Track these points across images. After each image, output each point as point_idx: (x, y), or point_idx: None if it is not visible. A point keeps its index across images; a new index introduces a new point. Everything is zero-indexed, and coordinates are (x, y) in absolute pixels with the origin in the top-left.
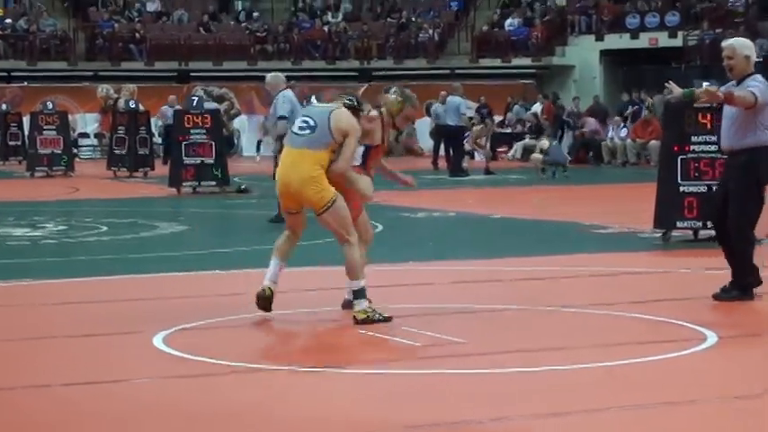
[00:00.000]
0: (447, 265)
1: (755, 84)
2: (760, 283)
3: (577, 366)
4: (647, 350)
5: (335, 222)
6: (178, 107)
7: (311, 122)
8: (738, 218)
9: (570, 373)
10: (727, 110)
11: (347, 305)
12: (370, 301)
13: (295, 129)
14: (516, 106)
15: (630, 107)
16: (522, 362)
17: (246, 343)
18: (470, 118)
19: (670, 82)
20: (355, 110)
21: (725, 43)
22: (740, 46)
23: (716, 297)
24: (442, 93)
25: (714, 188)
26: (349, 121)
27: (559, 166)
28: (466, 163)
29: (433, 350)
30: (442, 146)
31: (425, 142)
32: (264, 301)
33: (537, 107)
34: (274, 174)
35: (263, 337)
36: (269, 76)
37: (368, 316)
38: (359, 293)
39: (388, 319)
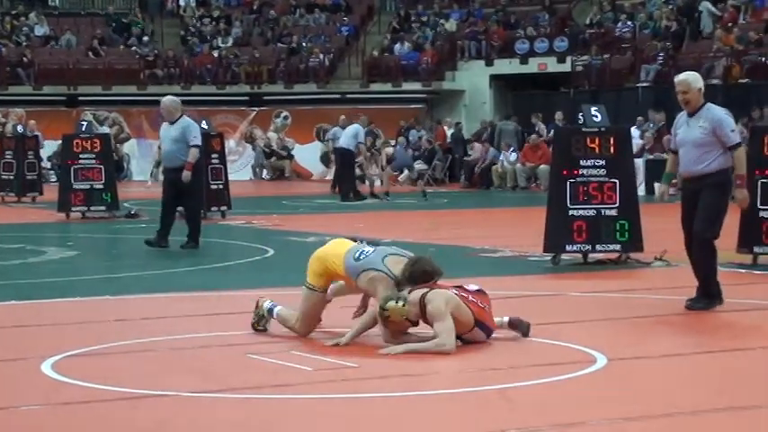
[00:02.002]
0: None
1: (726, 126)
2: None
3: (467, 389)
4: (538, 372)
5: (301, 303)
6: (37, 133)
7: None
8: (707, 231)
9: (459, 396)
10: (690, 136)
11: None
12: None
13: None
14: (413, 130)
15: (535, 132)
16: (414, 385)
17: (135, 369)
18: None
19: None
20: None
21: (678, 79)
22: (693, 80)
23: (688, 308)
24: (342, 117)
25: (596, 213)
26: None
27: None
28: (359, 187)
29: (325, 374)
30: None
31: (315, 167)
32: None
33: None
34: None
35: (153, 363)
36: (167, 99)
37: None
38: None
39: None
